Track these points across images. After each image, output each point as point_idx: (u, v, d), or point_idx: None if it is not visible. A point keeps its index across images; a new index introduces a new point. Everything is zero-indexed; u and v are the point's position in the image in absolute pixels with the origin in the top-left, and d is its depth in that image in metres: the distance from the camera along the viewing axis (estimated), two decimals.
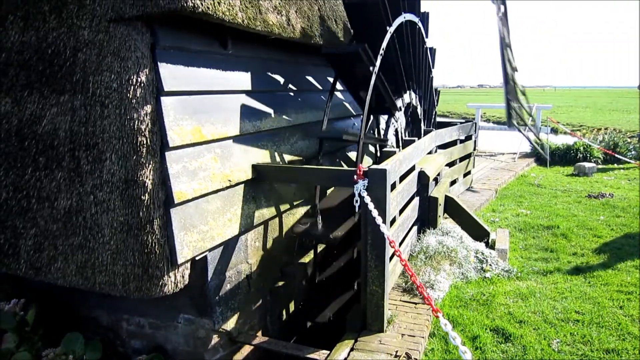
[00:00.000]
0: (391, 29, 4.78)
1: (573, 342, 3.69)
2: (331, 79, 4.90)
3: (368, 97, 4.38)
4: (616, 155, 11.67)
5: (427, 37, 6.67)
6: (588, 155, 11.88)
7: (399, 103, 5.61)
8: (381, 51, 4.59)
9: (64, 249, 3.16)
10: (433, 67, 7.32)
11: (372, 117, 5.52)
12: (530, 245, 6.00)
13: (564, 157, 12.14)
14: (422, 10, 6.39)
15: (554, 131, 17.44)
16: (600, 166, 11.42)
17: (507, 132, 16.51)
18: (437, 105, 7.96)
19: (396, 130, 5.88)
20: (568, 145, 12.30)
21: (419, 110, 6.70)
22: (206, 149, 3.40)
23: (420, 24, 6.04)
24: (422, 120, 6.88)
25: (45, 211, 3.20)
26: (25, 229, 3.26)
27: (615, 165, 11.53)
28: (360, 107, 4.60)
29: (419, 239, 5.17)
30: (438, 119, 8.30)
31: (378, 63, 4.50)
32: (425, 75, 6.79)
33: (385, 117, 5.77)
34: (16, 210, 3.28)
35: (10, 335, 3.72)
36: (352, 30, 5.20)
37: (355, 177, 3.43)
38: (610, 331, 3.83)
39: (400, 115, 5.88)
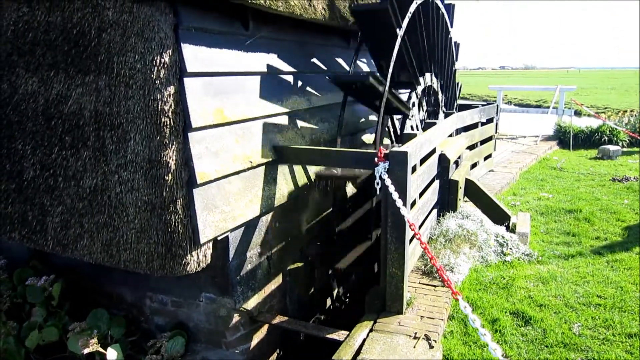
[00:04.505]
0: (412, 8, 4.71)
1: (594, 326, 3.67)
2: (354, 54, 4.89)
3: (393, 59, 4.36)
4: None
5: (451, 27, 6.58)
6: (614, 138, 11.61)
7: (420, 81, 5.55)
8: (408, 14, 4.56)
9: (89, 227, 3.23)
10: (451, 26, 7.18)
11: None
12: (552, 229, 5.93)
13: (588, 139, 11.89)
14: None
15: (578, 113, 17.05)
16: (625, 149, 11.17)
17: (529, 115, 16.23)
18: (456, 61, 7.85)
19: (416, 102, 5.84)
20: (592, 128, 12.03)
21: (440, 94, 6.62)
22: (228, 130, 3.42)
23: (444, 10, 5.96)
24: (442, 103, 6.80)
25: (71, 189, 3.26)
26: (52, 206, 3.34)
27: None
28: (383, 77, 4.57)
29: (439, 222, 5.15)
30: (459, 102, 8.19)
31: (404, 25, 4.48)
32: (447, 63, 6.72)
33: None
34: (43, 188, 3.36)
35: (38, 309, 3.85)
36: None
37: (376, 159, 3.42)
38: (632, 315, 3.79)
39: (421, 93, 5.82)
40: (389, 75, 4.40)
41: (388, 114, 5.22)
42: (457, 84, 7.74)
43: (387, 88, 4.33)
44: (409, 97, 5.64)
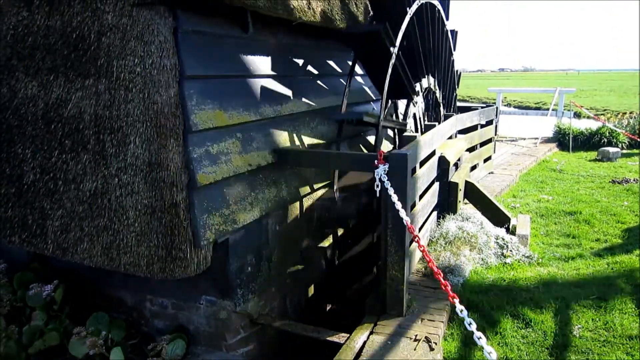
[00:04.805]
0: (411, 10, 4.71)
1: (595, 328, 3.66)
2: (351, 63, 4.87)
3: (387, 78, 4.34)
4: None
5: (447, 19, 6.60)
6: (613, 140, 11.62)
7: (417, 88, 5.55)
8: (401, 32, 4.54)
9: (89, 230, 3.23)
10: (454, 49, 7.21)
11: (390, 101, 5.48)
12: (552, 231, 5.93)
13: (587, 141, 11.90)
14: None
15: (577, 115, 17.07)
16: (624, 151, 11.18)
17: (529, 117, 16.26)
18: (457, 87, 7.86)
19: (414, 115, 5.83)
20: (591, 130, 12.05)
21: (439, 94, 6.63)
22: (228, 133, 3.42)
23: (439, 6, 5.97)
24: (441, 104, 6.81)
25: (71, 193, 3.27)
26: (52, 210, 3.34)
27: None
28: (379, 91, 4.57)
29: (439, 224, 5.16)
30: (458, 104, 8.22)
31: (398, 43, 4.45)
32: (446, 59, 6.71)
33: (404, 102, 5.73)
34: (43, 192, 3.36)
35: (38, 313, 3.84)
36: (372, 12, 5.14)
37: (376, 161, 3.43)
38: (633, 317, 3.78)
39: (419, 100, 5.82)
40: (383, 107, 4.41)
41: (392, 97, 5.21)
42: (457, 71, 7.74)
43: (396, 50, 4.31)
44: (408, 105, 5.64)
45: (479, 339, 2.39)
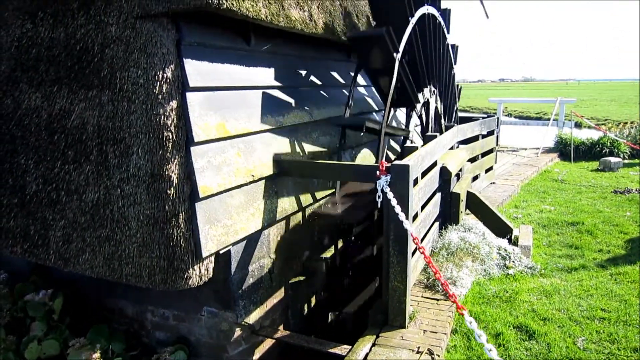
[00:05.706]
0: (413, 20, 4.74)
1: (599, 340, 3.64)
2: (353, 74, 4.89)
3: (392, 84, 4.34)
4: None
5: (448, 33, 6.63)
6: (615, 150, 11.62)
7: (420, 98, 5.57)
8: (405, 37, 4.54)
9: (91, 241, 3.23)
10: (455, 64, 7.24)
11: (393, 111, 5.49)
12: (555, 242, 5.91)
13: (589, 151, 11.90)
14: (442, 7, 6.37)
15: (578, 125, 17.08)
16: (626, 161, 11.17)
17: (530, 127, 16.27)
18: (458, 100, 7.89)
19: (419, 118, 5.84)
20: (593, 140, 12.04)
21: (439, 105, 6.65)
22: (230, 144, 3.43)
23: (440, 19, 6.00)
24: (442, 115, 6.82)
25: (73, 203, 3.27)
26: (55, 220, 3.34)
27: None
28: (382, 98, 4.57)
29: (441, 235, 5.14)
30: (459, 114, 8.23)
31: (401, 48, 4.46)
32: (447, 71, 6.73)
33: (405, 110, 5.74)
34: (46, 202, 3.36)
35: (38, 324, 3.83)
36: (374, 23, 5.18)
37: (377, 172, 3.43)
38: (637, 329, 3.76)
39: (420, 109, 5.83)
40: (386, 113, 4.42)
41: (396, 106, 5.26)
42: (457, 85, 7.73)
43: (384, 125, 4.34)
44: (409, 116, 5.67)
45: (489, 351, 2.38)
